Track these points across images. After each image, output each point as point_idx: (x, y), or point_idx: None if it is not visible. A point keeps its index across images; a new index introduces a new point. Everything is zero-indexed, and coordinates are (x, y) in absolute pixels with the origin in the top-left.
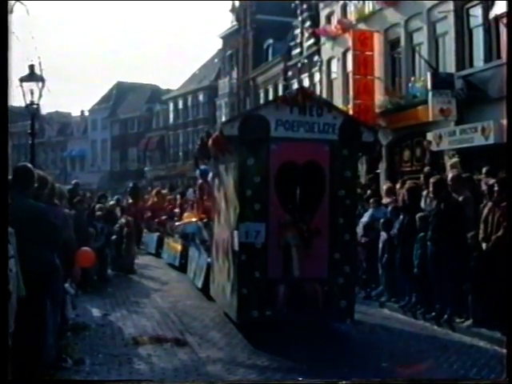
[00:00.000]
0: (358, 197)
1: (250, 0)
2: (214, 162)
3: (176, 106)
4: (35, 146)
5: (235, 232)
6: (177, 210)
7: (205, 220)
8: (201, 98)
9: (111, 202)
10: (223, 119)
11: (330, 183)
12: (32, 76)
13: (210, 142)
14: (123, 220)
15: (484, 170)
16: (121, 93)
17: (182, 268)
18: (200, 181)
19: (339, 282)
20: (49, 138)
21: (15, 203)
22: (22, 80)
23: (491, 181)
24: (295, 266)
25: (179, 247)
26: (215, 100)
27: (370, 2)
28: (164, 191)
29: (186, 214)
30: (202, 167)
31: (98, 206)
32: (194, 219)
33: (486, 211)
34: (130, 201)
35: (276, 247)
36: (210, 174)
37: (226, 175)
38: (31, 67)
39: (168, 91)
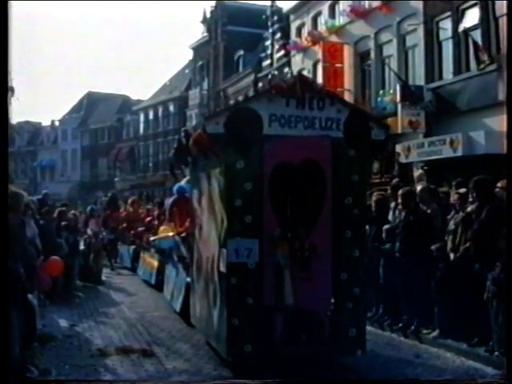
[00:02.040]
0: (367, 206)
1: (220, 11)
2: (193, 167)
3: (146, 116)
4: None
5: (222, 250)
6: (154, 222)
7: (183, 234)
8: (171, 108)
9: (74, 212)
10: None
11: (333, 189)
12: None
13: (191, 142)
14: (89, 231)
15: (454, 182)
16: (91, 103)
17: (159, 286)
18: (175, 196)
19: (347, 306)
20: (18, 147)
21: None
22: None
23: (461, 191)
24: (287, 291)
25: (155, 263)
26: (186, 111)
27: (341, 15)
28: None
29: (161, 228)
30: (179, 184)
31: (67, 215)
32: (170, 233)
33: (453, 222)
34: (108, 212)
35: (272, 268)
36: (187, 186)
37: (210, 182)
38: None
39: (138, 102)
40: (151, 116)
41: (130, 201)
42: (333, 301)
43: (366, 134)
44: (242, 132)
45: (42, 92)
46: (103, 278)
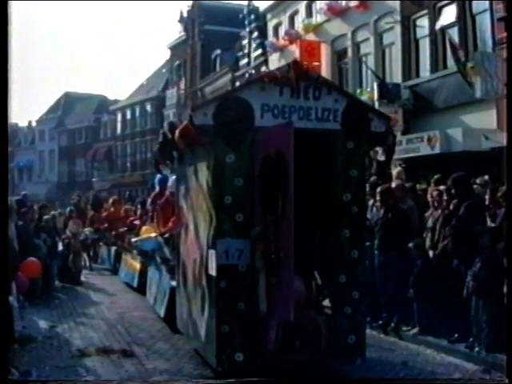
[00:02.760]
0: (366, 202)
1: (197, 10)
2: (180, 162)
3: (124, 116)
4: None
5: (211, 251)
6: (137, 222)
7: (166, 235)
8: (148, 108)
9: (53, 213)
10: None
11: (332, 185)
12: None
13: (177, 134)
14: (68, 232)
15: (433, 179)
16: (68, 103)
17: (141, 289)
18: (157, 190)
19: (346, 311)
20: None
21: None
22: None
23: (441, 188)
24: (261, 297)
25: (138, 266)
26: (163, 110)
27: (318, 13)
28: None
29: (144, 228)
30: (160, 175)
31: (45, 217)
32: (153, 234)
33: (432, 220)
34: (92, 212)
35: (264, 270)
36: (170, 181)
37: (197, 178)
38: None
39: (116, 101)
40: (128, 116)
41: (110, 200)
42: (330, 305)
43: (365, 125)
44: (232, 123)
45: (19, 92)
46: (82, 278)
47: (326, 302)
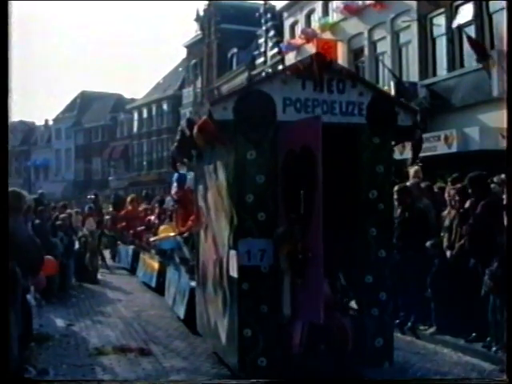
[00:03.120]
0: (393, 200)
1: (214, 9)
2: (198, 160)
3: (140, 115)
4: None
5: (232, 252)
6: (155, 221)
7: (185, 235)
8: (165, 107)
9: (69, 211)
10: None
11: (357, 181)
12: None
13: (195, 130)
14: (85, 231)
15: (450, 178)
16: (85, 102)
17: (160, 290)
18: (176, 188)
19: (373, 313)
20: (12, 147)
21: None
22: None
23: (457, 187)
24: (284, 300)
25: (156, 265)
26: (179, 109)
27: (334, 12)
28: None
29: (162, 227)
30: (178, 173)
31: (61, 215)
32: (171, 233)
33: (448, 219)
34: (110, 209)
35: (287, 271)
36: (189, 178)
37: (216, 176)
38: None
39: (132, 100)
40: (145, 114)
41: (128, 199)
42: (356, 307)
43: (392, 119)
44: (253, 118)
45: (36, 91)
46: (99, 277)
47: (352, 304)
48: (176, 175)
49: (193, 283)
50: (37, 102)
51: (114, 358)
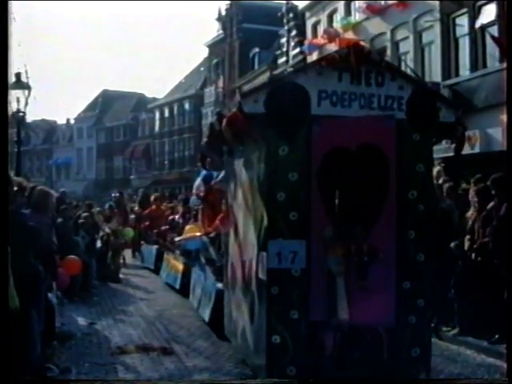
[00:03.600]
0: (434, 200)
1: (236, 9)
2: (228, 157)
3: (162, 114)
4: (21, 154)
5: (262, 254)
6: (179, 220)
7: (212, 235)
8: (186, 106)
9: (93, 210)
10: None
11: (397, 181)
12: (18, 84)
13: (224, 123)
14: (107, 229)
15: (473, 179)
16: (107, 101)
17: (184, 291)
18: (202, 187)
19: (410, 321)
20: (34, 145)
21: None
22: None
23: (480, 188)
24: (340, 304)
25: (180, 266)
26: (201, 109)
27: (357, 12)
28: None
29: (187, 227)
30: (205, 172)
31: (83, 214)
32: (197, 233)
33: (472, 220)
34: (136, 208)
35: (322, 275)
36: (220, 177)
37: (247, 173)
38: (17, 75)
39: (154, 99)
40: (166, 114)
41: (152, 197)
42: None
43: (433, 115)
44: (286, 111)
45: (57, 90)
46: (121, 276)
47: None
48: (203, 173)
49: (219, 285)
50: (58, 101)
51: (136, 357)
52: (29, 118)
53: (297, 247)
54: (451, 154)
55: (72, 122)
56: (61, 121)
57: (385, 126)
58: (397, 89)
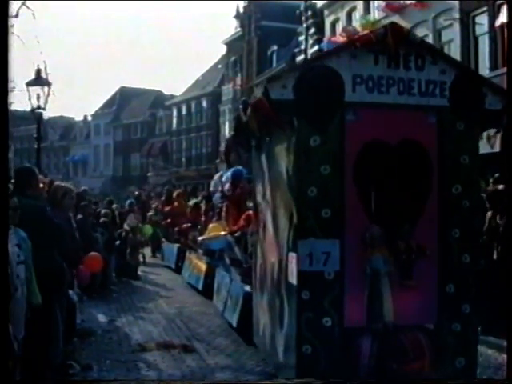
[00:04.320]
0: (481, 196)
1: (254, 6)
2: (256, 151)
3: (179, 111)
4: (40, 151)
5: (291, 255)
6: (201, 218)
7: (237, 234)
8: (204, 103)
9: (114, 206)
10: (227, 126)
11: (439, 174)
12: (38, 80)
13: (249, 111)
14: (126, 226)
15: (492, 178)
16: (124, 98)
17: (207, 293)
18: (229, 184)
19: (455, 329)
20: (51, 142)
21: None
22: (28, 84)
23: (500, 187)
24: (387, 306)
25: (203, 266)
26: (219, 106)
27: (376, 10)
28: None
29: (211, 226)
30: (235, 168)
31: (104, 211)
32: (222, 232)
33: (493, 220)
34: (157, 205)
35: (358, 278)
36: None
37: (275, 167)
38: (38, 71)
39: (171, 97)
40: (184, 111)
41: (175, 194)
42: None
43: (479, 101)
44: (318, 97)
45: (75, 87)
46: (139, 273)
47: None
48: (232, 170)
49: (247, 288)
50: (76, 98)
51: (157, 354)
52: (46, 115)
53: (330, 247)
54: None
55: (89, 118)
56: (78, 118)
57: (426, 119)
58: (438, 73)
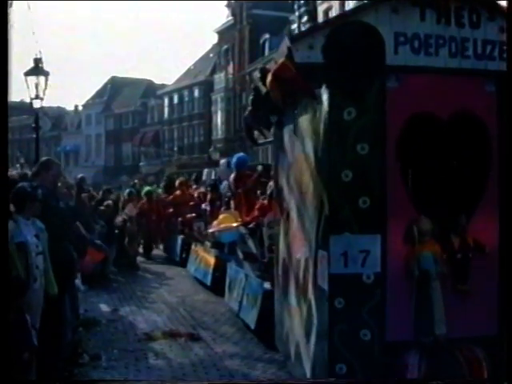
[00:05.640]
0: None
1: None
2: (278, 128)
3: (171, 100)
4: (30, 141)
5: (321, 253)
6: (206, 207)
7: (251, 225)
8: (196, 92)
9: (113, 196)
10: (219, 115)
11: (500, 154)
12: (37, 70)
13: (270, 79)
14: (124, 216)
15: None
16: (115, 87)
17: (216, 288)
18: (235, 173)
19: None
20: (43, 132)
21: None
22: (26, 74)
23: None
24: (438, 315)
25: (212, 260)
26: (211, 95)
27: None
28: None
29: (221, 216)
30: (238, 155)
31: (106, 202)
32: (233, 224)
33: None
34: (163, 195)
35: (403, 281)
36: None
37: (301, 146)
38: (36, 61)
39: (162, 86)
40: (176, 100)
41: (177, 182)
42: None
43: None
44: (353, 61)
45: (66, 77)
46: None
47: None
48: (235, 157)
49: (267, 285)
50: (67, 88)
51: (164, 343)
52: (36, 105)
53: (369, 244)
54: None
55: (80, 108)
56: (69, 108)
57: (483, 87)
58: (497, 31)
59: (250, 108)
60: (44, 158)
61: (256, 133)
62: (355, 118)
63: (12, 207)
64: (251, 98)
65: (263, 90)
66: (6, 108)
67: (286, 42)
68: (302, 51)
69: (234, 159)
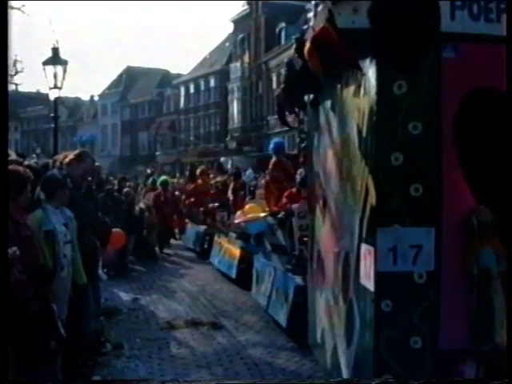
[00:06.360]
0: None
1: None
2: (313, 107)
3: (187, 90)
4: (46, 132)
5: (365, 247)
6: (230, 197)
7: (280, 215)
8: (212, 82)
9: (129, 184)
10: (235, 104)
11: None
12: (55, 59)
13: (308, 47)
14: (142, 205)
15: None
16: (131, 77)
17: (241, 281)
18: (274, 158)
19: None
20: (59, 122)
21: None
22: (45, 63)
23: None
24: (499, 320)
25: (237, 252)
26: (227, 84)
27: None
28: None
29: (247, 206)
30: (275, 140)
31: (124, 190)
32: (261, 214)
33: None
34: (183, 182)
35: (460, 281)
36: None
37: (342, 125)
38: (55, 50)
39: (179, 75)
40: (192, 90)
41: (198, 171)
42: None
43: None
44: (403, 27)
45: (82, 67)
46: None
47: None
48: (272, 143)
49: (298, 280)
50: (82, 78)
51: (186, 331)
52: (53, 95)
53: (422, 239)
54: None
55: (96, 98)
56: (85, 97)
57: None
58: None
59: (282, 85)
60: (79, 150)
61: (287, 109)
62: (406, 92)
63: (42, 195)
64: (284, 73)
65: (298, 64)
66: (7, 102)
67: (327, 4)
68: (346, 15)
69: (272, 145)
